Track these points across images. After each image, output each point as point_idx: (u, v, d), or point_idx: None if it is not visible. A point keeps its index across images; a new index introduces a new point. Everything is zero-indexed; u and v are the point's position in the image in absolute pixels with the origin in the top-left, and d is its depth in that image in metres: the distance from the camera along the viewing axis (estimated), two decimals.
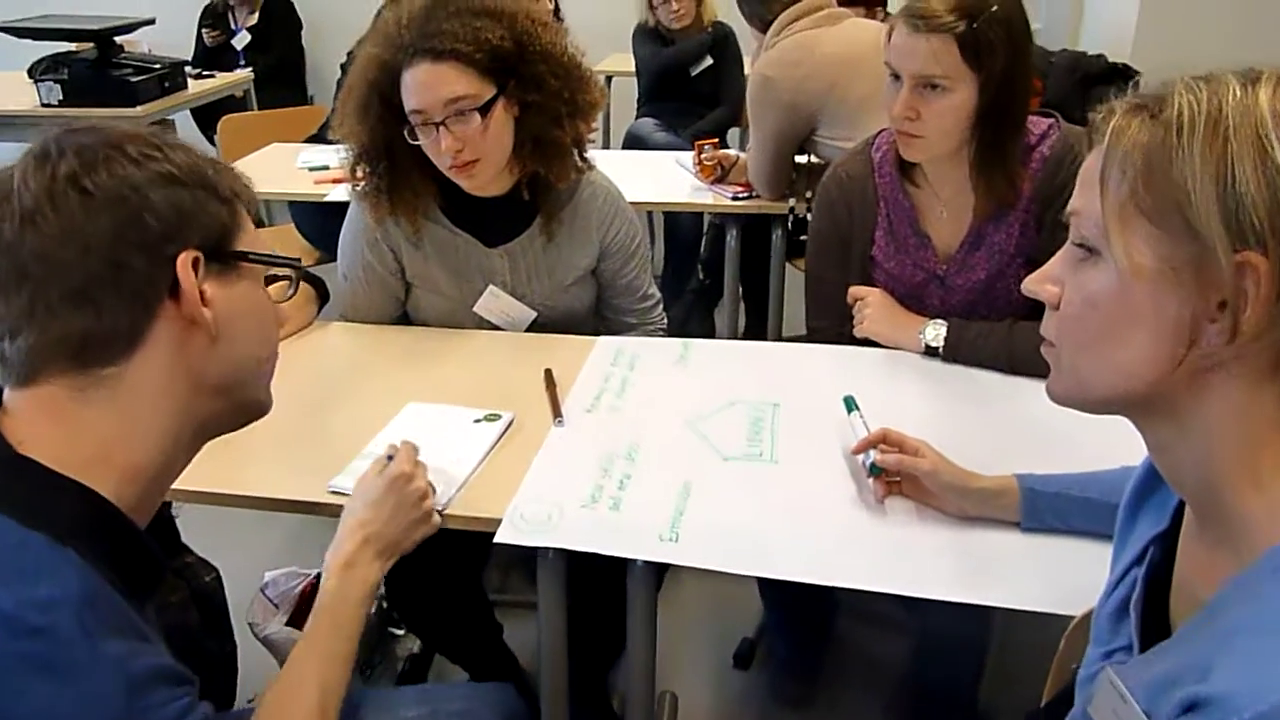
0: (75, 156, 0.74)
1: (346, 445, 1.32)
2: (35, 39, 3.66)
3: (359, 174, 1.61)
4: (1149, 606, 0.77)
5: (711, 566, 1.11)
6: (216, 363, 0.81)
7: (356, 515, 1.12)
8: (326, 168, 2.80)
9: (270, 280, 0.89)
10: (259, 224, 3.38)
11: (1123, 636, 0.79)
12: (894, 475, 1.21)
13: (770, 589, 1.88)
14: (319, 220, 2.99)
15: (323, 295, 1.77)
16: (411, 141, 1.52)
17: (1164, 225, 0.63)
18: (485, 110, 1.49)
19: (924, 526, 1.17)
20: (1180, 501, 0.78)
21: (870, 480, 1.21)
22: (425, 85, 1.46)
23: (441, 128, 1.48)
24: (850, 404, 1.33)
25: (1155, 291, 0.64)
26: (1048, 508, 1.14)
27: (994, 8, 1.40)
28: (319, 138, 3.18)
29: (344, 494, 1.22)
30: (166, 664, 0.72)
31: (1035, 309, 1.59)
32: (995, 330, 1.54)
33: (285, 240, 3.28)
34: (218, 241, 0.80)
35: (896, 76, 1.47)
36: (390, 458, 1.18)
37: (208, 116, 4.25)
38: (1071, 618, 1.02)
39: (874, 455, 1.19)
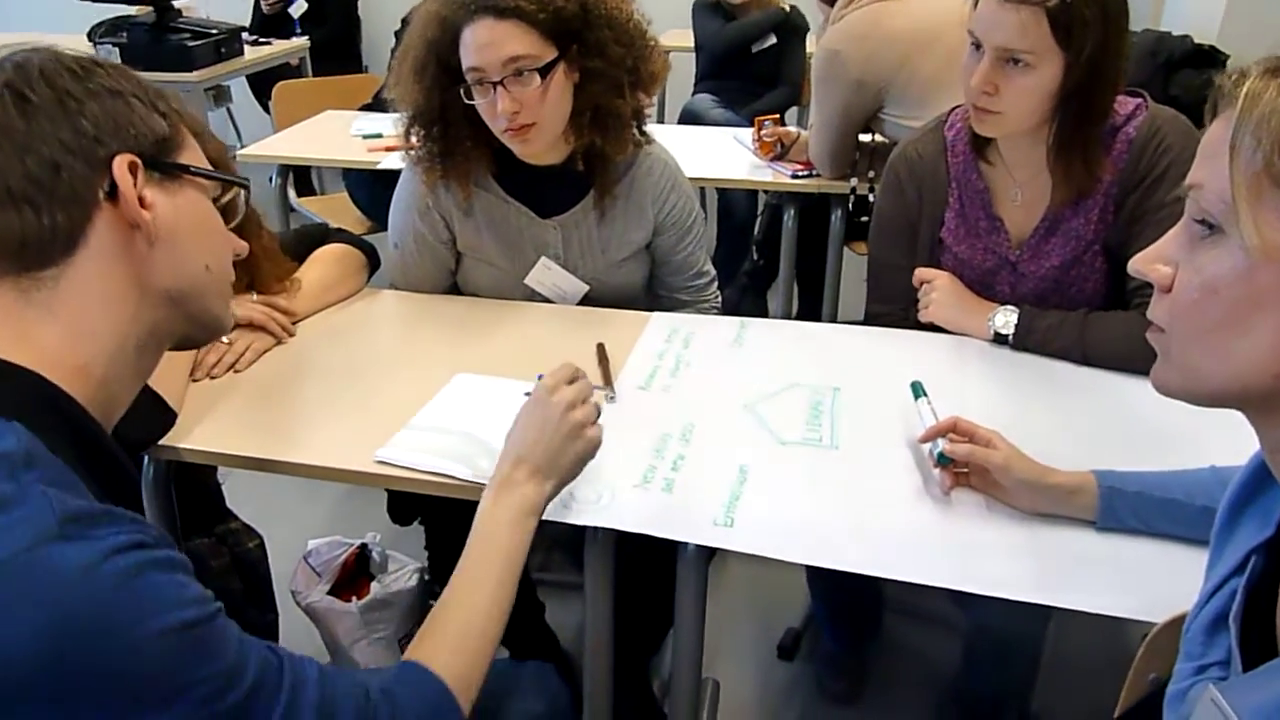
0: (15, 70, 0.76)
1: (394, 415, 1.29)
2: (95, 1, 3.68)
3: (412, 139, 1.58)
4: (1249, 621, 0.71)
5: (767, 554, 1.06)
6: (161, 269, 0.81)
7: (513, 437, 1.08)
8: (380, 135, 2.78)
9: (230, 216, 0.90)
10: (311, 192, 3.37)
11: (1218, 651, 0.74)
12: (962, 467, 1.15)
13: (818, 579, 1.83)
14: (372, 189, 2.98)
15: (373, 262, 1.75)
16: (467, 101, 1.48)
17: None
18: (545, 72, 1.44)
19: (993, 522, 1.11)
20: None
21: (937, 471, 1.15)
22: (486, 43, 1.42)
23: (499, 88, 1.44)
24: (918, 390, 1.26)
25: None
26: (1127, 507, 1.07)
27: None
28: (373, 106, 3.17)
29: (389, 464, 1.19)
30: (115, 509, 0.69)
31: (1110, 299, 1.53)
32: (1069, 320, 1.46)
33: (339, 209, 3.29)
34: (157, 150, 0.81)
35: (978, 46, 1.40)
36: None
37: (263, 84, 4.26)
38: (1149, 624, 0.96)
39: (942, 444, 1.13)
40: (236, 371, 1.44)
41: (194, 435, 1.27)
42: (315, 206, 3.47)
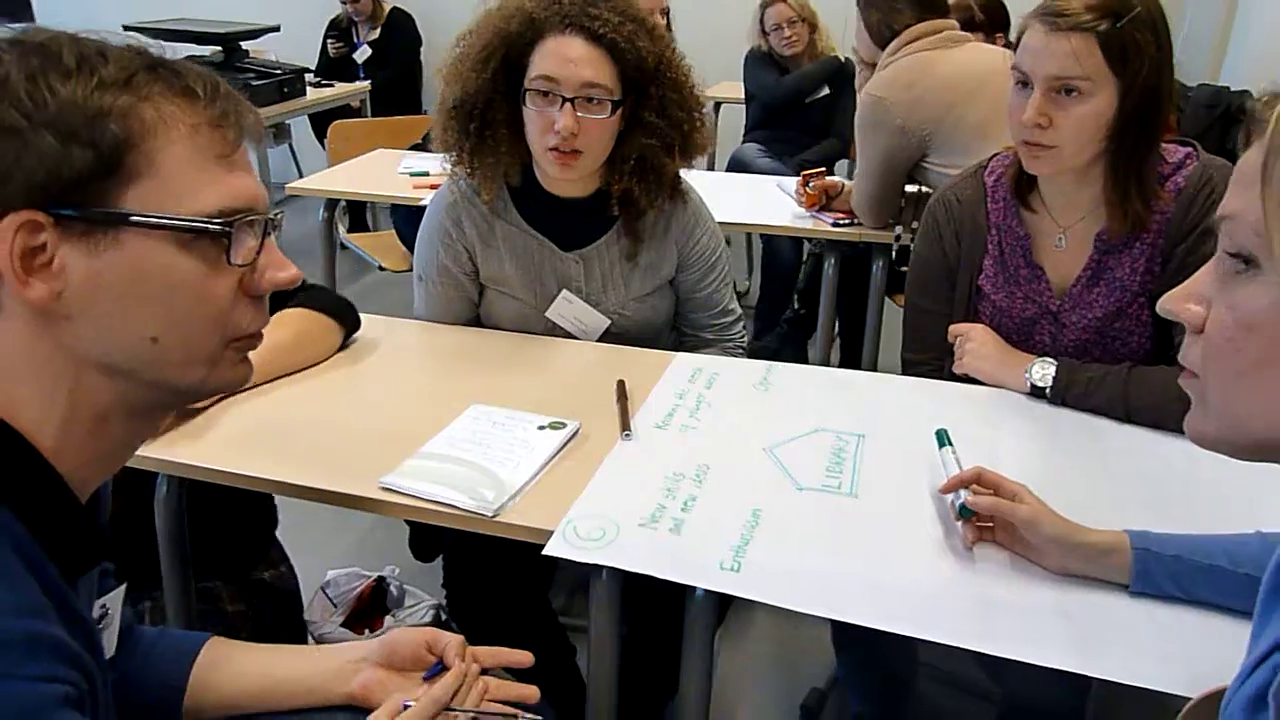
0: None
1: (405, 443, 1.27)
2: (165, 40, 3.80)
3: (446, 128, 1.55)
4: None
5: (773, 601, 1.01)
6: (88, 342, 0.68)
7: None
8: (426, 174, 2.81)
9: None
10: (364, 228, 3.29)
11: None
12: (986, 521, 1.09)
13: (844, 636, 1.75)
14: (418, 225, 3.00)
15: (350, 322, 1.60)
16: (524, 106, 1.49)
17: None
18: (614, 108, 1.47)
19: (1018, 581, 1.05)
20: None
21: (959, 524, 1.10)
22: (573, 60, 1.44)
23: (566, 105, 1.44)
24: (943, 438, 1.21)
25: None
26: (1164, 571, 1.00)
27: (1137, 8, 1.29)
28: (423, 145, 3.21)
29: (393, 490, 1.17)
30: (53, 634, 0.63)
31: (1155, 353, 1.46)
32: (1111, 374, 1.40)
33: (385, 245, 3.34)
34: (74, 197, 0.64)
35: (1025, 84, 1.36)
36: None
37: (326, 125, 4.35)
38: (1185, 699, 0.89)
39: (965, 496, 1.08)
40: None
41: (207, 451, 1.25)
42: (363, 242, 3.51)
